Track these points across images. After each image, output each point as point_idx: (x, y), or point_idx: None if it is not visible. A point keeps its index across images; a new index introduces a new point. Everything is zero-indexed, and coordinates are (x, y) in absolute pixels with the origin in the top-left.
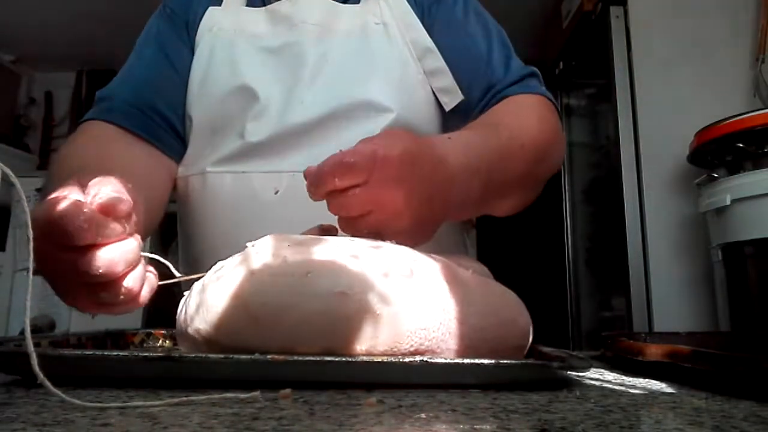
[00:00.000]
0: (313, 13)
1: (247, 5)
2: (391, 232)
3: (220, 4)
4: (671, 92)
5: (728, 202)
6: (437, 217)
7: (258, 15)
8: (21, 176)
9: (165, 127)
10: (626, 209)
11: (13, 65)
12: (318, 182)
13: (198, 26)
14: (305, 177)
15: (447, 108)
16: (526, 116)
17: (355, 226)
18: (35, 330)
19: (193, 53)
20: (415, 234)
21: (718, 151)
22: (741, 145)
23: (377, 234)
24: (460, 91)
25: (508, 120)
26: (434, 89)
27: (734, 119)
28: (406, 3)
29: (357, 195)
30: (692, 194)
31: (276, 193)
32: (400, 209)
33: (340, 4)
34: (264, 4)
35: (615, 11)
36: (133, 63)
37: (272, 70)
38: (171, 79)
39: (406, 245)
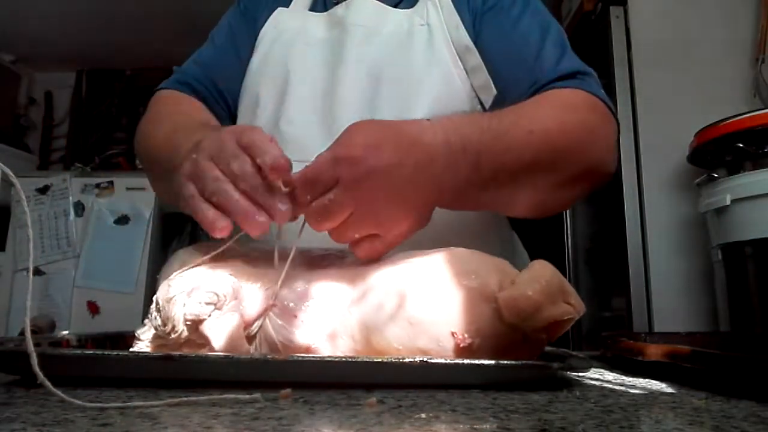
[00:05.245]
0: (363, 15)
1: (311, 9)
2: (382, 226)
3: (288, 5)
4: (671, 92)
5: (728, 202)
6: (426, 198)
7: (319, 19)
8: (21, 176)
9: (221, 103)
10: (626, 209)
11: (13, 65)
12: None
13: (264, 23)
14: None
15: (486, 105)
16: (549, 106)
17: (345, 234)
18: (35, 330)
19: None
20: (408, 219)
21: (718, 151)
22: (741, 145)
23: (372, 236)
24: (494, 87)
25: (525, 108)
26: (474, 87)
27: (734, 119)
28: (452, 5)
29: (332, 201)
30: (692, 194)
31: None
32: (381, 198)
33: (391, 7)
34: (326, 9)
35: (615, 11)
36: (206, 46)
37: (314, 68)
38: (233, 65)
39: (404, 236)
